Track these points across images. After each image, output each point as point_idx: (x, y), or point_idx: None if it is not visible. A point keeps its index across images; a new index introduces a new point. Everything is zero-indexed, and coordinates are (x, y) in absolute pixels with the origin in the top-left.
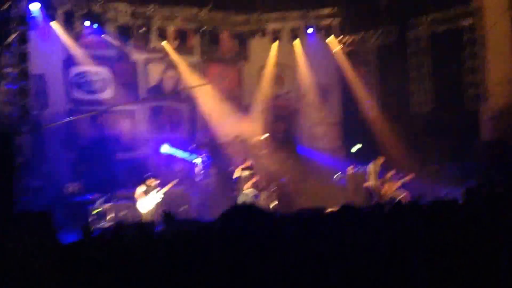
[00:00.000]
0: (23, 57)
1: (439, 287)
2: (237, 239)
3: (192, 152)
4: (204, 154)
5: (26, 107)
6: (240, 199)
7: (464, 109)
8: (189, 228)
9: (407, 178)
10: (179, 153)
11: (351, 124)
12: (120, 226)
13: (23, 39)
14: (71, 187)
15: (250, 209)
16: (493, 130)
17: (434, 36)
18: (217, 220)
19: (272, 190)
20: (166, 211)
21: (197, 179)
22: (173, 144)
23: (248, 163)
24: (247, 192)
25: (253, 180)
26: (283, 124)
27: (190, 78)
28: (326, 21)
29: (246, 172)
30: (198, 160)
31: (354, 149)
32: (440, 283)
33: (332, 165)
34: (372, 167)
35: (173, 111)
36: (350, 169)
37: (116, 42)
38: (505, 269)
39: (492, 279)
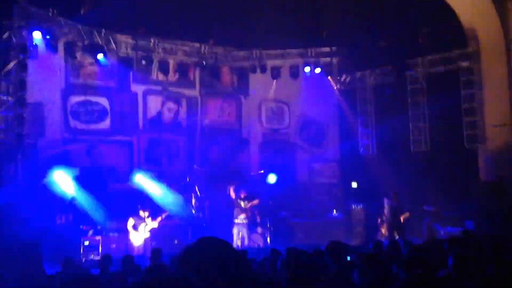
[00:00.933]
0: (21, 85)
1: None
2: (197, 270)
3: (186, 185)
4: (199, 187)
5: (21, 134)
6: (234, 231)
7: (462, 149)
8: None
9: (402, 217)
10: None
11: (349, 161)
12: (106, 259)
13: (22, 67)
14: (62, 217)
15: (214, 241)
16: (492, 171)
17: (432, 77)
18: (181, 252)
19: (268, 224)
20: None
21: (191, 212)
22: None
23: (243, 194)
24: (239, 221)
25: (248, 205)
26: (281, 158)
27: (189, 110)
28: (325, 60)
29: (242, 203)
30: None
31: (354, 184)
32: None
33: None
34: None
35: (171, 143)
36: (349, 206)
37: (116, 73)
38: None
39: None
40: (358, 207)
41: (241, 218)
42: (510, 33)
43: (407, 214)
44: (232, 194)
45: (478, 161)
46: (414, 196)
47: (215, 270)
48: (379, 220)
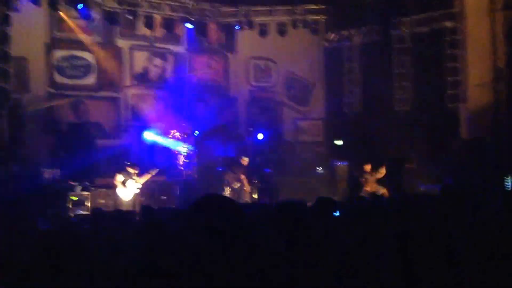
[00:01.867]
0: (5, 39)
1: (411, 277)
2: (206, 227)
3: (176, 140)
4: (188, 144)
5: (6, 90)
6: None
7: (444, 109)
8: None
9: (381, 170)
10: (162, 141)
11: (334, 119)
12: (97, 214)
13: (5, 20)
14: (49, 173)
15: (220, 199)
16: (472, 130)
17: (417, 36)
18: (189, 208)
19: (255, 181)
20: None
21: (180, 169)
22: (156, 132)
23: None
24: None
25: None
26: (268, 116)
27: (175, 66)
28: (313, 17)
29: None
30: (182, 149)
31: (337, 142)
32: (413, 273)
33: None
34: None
35: (158, 100)
36: (332, 163)
37: (101, 27)
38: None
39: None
40: (342, 164)
41: (235, 184)
42: None
43: (383, 168)
44: (243, 178)
45: (459, 120)
46: (397, 153)
47: (222, 227)
48: (362, 178)
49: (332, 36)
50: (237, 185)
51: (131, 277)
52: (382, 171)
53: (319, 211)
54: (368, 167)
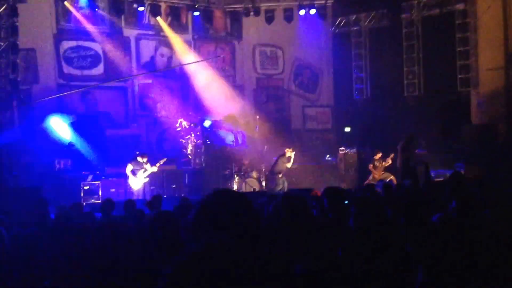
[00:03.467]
0: (13, 30)
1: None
2: (215, 220)
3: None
4: (196, 133)
5: (15, 81)
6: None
7: (455, 93)
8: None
9: (388, 159)
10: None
11: (343, 106)
12: (108, 203)
13: (13, 11)
14: (61, 163)
15: (228, 192)
16: (484, 115)
17: (427, 20)
18: (198, 202)
19: (263, 169)
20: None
21: (189, 157)
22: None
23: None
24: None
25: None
26: (275, 104)
27: (182, 55)
28: (320, 2)
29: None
30: (191, 138)
31: (346, 129)
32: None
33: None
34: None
35: (165, 88)
36: (341, 150)
37: (108, 17)
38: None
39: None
40: (351, 151)
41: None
42: None
43: (392, 155)
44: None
45: (470, 105)
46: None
47: (232, 223)
48: (370, 165)
49: (339, 20)
50: (245, 173)
51: (139, 270)
52: (389, 160)
53: (328, 200)
54: (378, 155)
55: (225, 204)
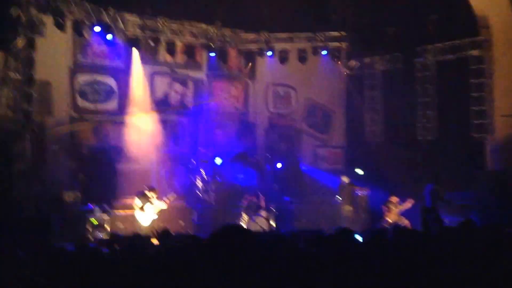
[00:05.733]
0: (29, 63)
1: None
2: (224, 257)
3: (193, 168)
4: (206, 170)
5: (29, 112)
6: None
7: (469, 139)
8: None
9: (407, 204)
10: None
11: (355, 148)
12: (114, 239)
13: (30, 44)
14: (70, 195)
15: (238, 230)
16: (498, 161)
17: (441, 64)
18: (208, 238)
19: (272, 208)
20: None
21: (198, 194)
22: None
23: None
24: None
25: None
26: (286, 143)
27: (196, 93)
28: (334, 45)
29: None
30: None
31: (357, 171)
32: None
33: (334, 186)
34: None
35: (177, 125)
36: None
37: (124, 53)
38: None
39: None
40: (363, 193)
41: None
42: None
43: (411, 201)
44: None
45: (485, 151)
46: (420, 184)
47: (238, 260)
48: (384, 207)
49: (353, 63)
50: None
51: None
52: (408, 204)
53: (339, 241)
54: (394, 199)
55: (233, 240)
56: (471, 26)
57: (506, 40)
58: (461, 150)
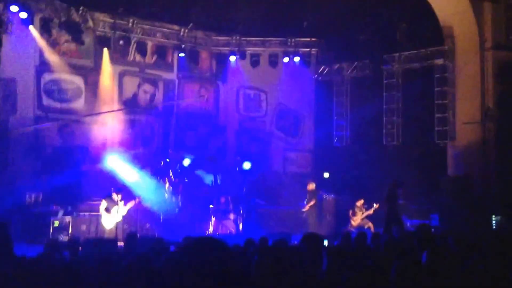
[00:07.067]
0: None
1: None
2: (194, 268)
3: (160, 169)
4: (174, 171)
5: None
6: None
7: (433, 145)
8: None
9: (372, 209)
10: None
11: (322, 152)
12: (75, 242)
13: None
14: (32, 196)
15: (211, 242)
16: (460, 167)
17: (407, 72)
18: (180, 249)
19: (241, 211)
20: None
21: (165, 196)
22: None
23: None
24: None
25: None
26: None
27: (166, 94)
28: (305, 50)
29: None
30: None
31: (325, 175)
32: None
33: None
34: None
35: (146, 126)
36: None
37: (93, 51)
38: None
39: None
40: (329, 197)
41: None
42: (485, 33)
43: (376, 206)
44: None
45: (447, 157)
46: (385, 188)
47: (212, 272)
48: (350, 211)
49: (323, 68)
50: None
51: None
52: (373, 209)
53: (306, 247)
54: (360, 202)
55: (205, 253)
56: (437, 35)
57: (468, 49)
58: (425, 156)
